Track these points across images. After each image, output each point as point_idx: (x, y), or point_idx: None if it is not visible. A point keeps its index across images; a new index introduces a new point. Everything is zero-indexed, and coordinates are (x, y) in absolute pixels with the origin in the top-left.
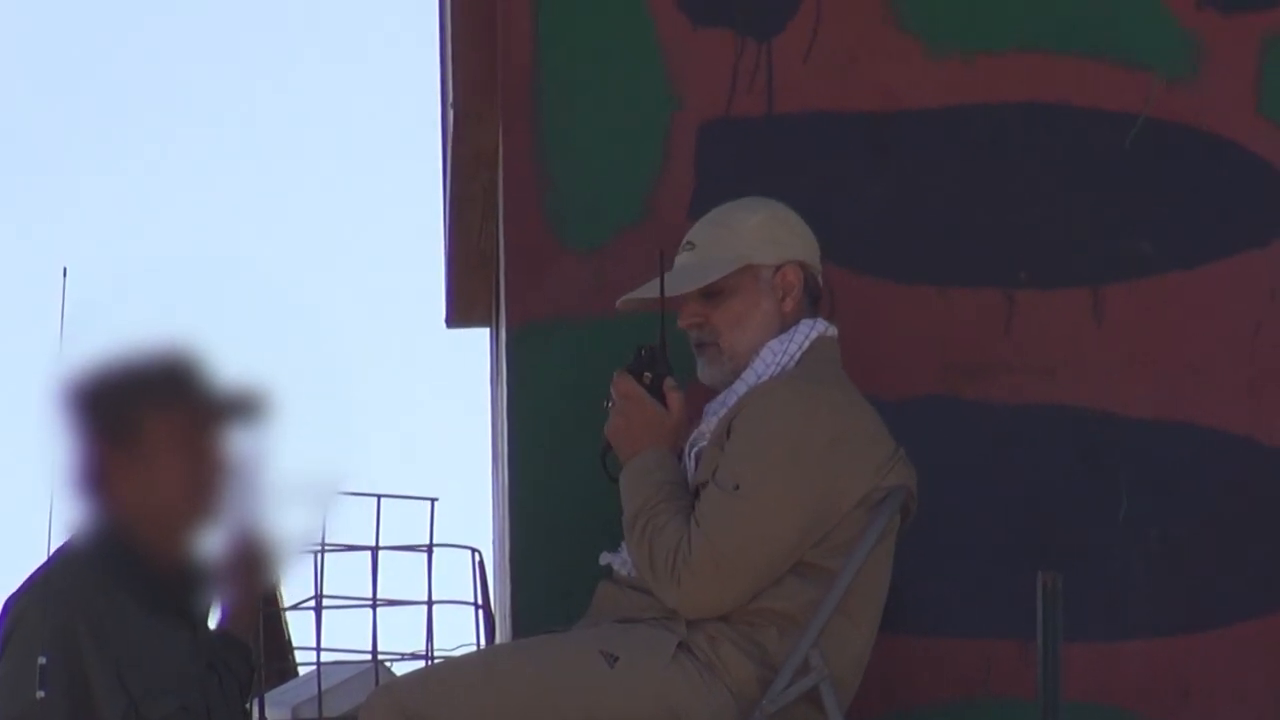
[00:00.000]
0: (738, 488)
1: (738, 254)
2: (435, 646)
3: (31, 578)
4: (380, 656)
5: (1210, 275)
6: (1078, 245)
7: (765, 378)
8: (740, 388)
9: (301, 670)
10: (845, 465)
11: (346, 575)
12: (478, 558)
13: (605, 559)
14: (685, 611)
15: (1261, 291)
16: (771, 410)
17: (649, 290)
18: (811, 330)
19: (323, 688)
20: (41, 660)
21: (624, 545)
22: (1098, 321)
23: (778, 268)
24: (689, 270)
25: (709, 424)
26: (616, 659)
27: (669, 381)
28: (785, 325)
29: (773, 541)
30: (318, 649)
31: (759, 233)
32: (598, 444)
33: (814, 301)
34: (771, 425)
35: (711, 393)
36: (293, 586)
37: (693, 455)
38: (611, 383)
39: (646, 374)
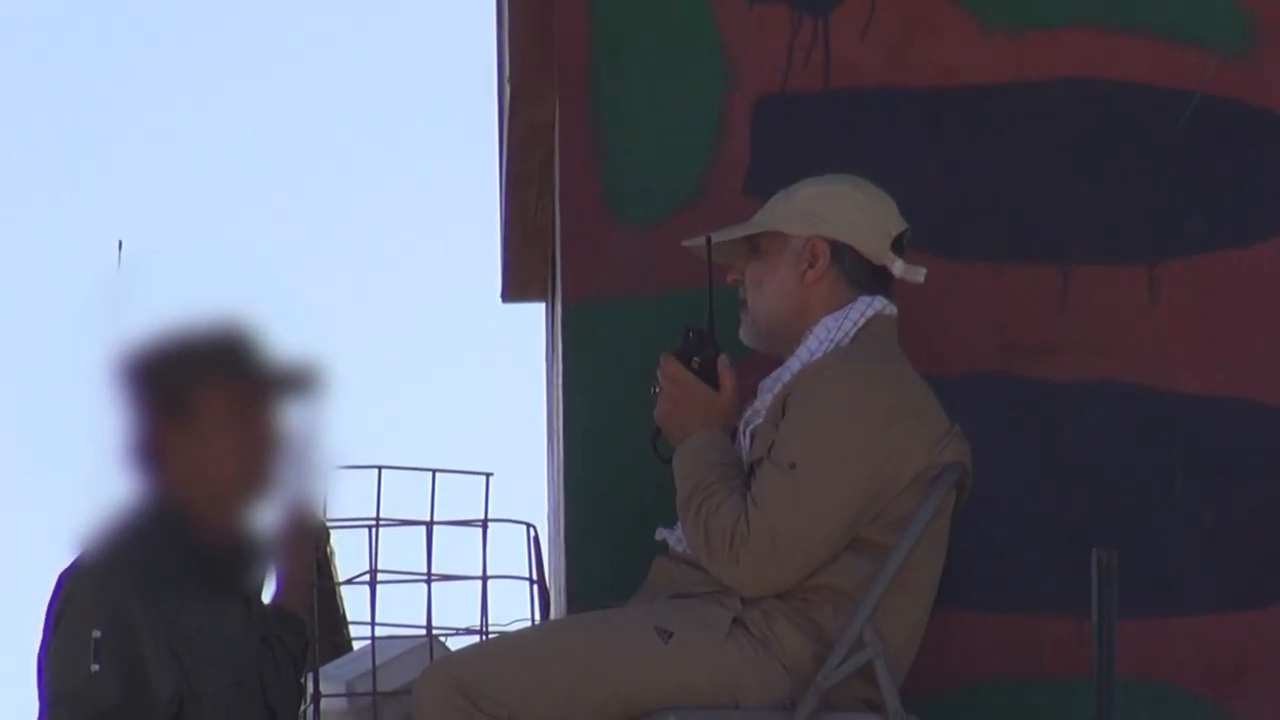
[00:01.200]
0: (794, 466)
1: (771, 220)
2: (490, 621)
3: (85, 552)
4: (435, 631)
5: (1265, 253)
6: (1133, 222)
7: (819, 354)
8: (794, 364)
9: (356, 645)
10: (900, 442)
11: (401, 550)
12: (532, 533)
13: (661, 534)
14: (744, 590)
15: None
16: (826, 387)
17: (700, 241)
18: (868, 308)
19: (377, 662)
20: (96, 634)
21: (679, 523)
22: (1153, 299)
23: (807, 239)
24: (732, 227)
25: (763, 400)
26: (671, 635)
27: (722, 360)
28: (811, 297)
29: (830, 519)
30: (372, 624)
31: (804, 204)
32: (648, 428)
33: (865, 283)
34: (827, 402)
35: (766, 369)
36: (347, 561)
37: (747, 433)
38: (658, 367)
39: (695, 359)
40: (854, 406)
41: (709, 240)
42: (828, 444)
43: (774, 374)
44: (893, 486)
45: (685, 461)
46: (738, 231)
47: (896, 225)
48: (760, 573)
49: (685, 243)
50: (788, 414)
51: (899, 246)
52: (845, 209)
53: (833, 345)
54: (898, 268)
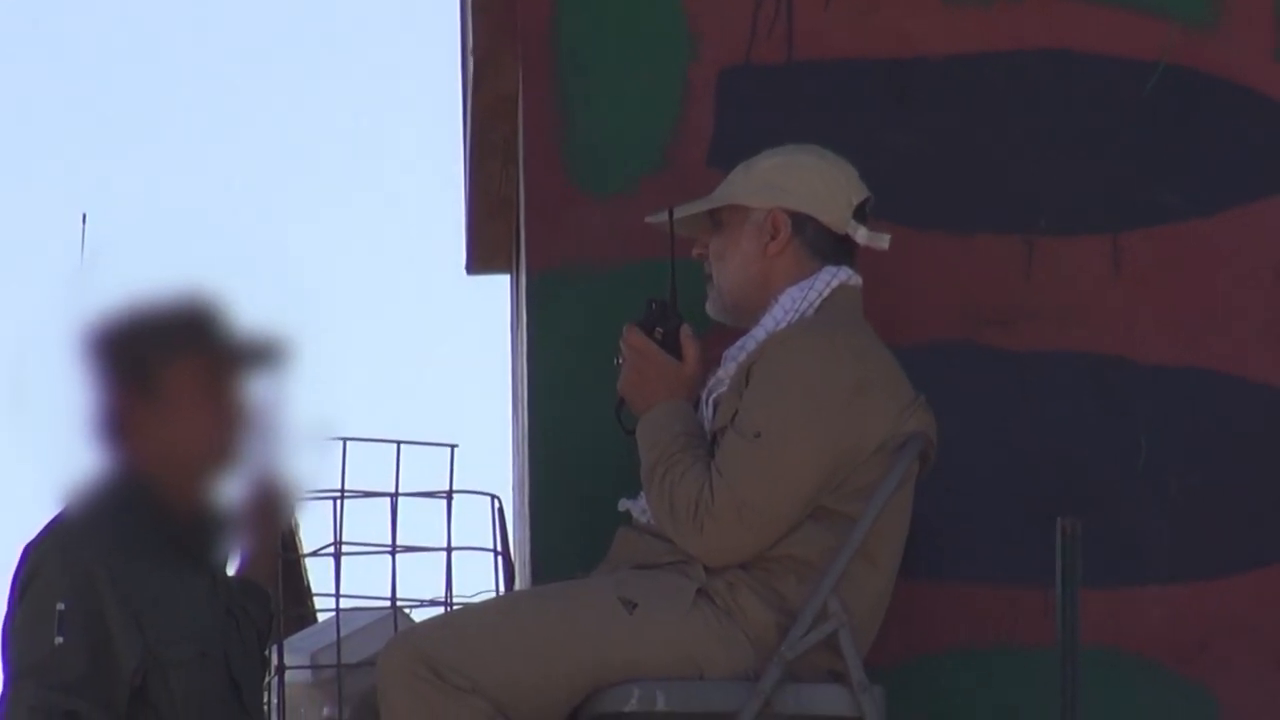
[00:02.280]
0: (759, 435)
1: (732, 193)
2: (454, 593)
3: (50, 525)
4: (399, 603)
5: (1229, 222)
6: (1097, 192)
7: (784, 324)
8: (759, 333)
9: (320, 617)
10: (865, 412)
11: (366, 522)
12: (497, 504)
13: (624, 505)
14: (708, 560)
15: None
16: (791, 356)
17: (677, 211)
18: (833, 278)
19: (342, 634)
20: (60, 606)
21: (644, 493)
22: (1117, 268)
23: (768, 211)
24: (694, 202)
25: (727, 370)
26: (635, 606)
27: (685, 330)
28: (774, 268)
29: (794, 488)
30: (337, 595)
31: (764, 176)
32: (612, 400)
33: (828, 253)
34: (791, 371)
35: (730, 339)
36: (312, 533)
37: (710, 402)
38: (621, 337)
39: (658, 329)
40: (818, 376)
41: (670, 213)
42: (792, 413)
43: (738, 343)
44: (856, 456)
45: (649, 432)
46: (699, 206)
47: (858, 193)
48: (725, 542)
49: (649, 218)
50: (752, 383)
51: (861, 215)
52: (806, 179)
53: (797, 315)
54: (861, 235)
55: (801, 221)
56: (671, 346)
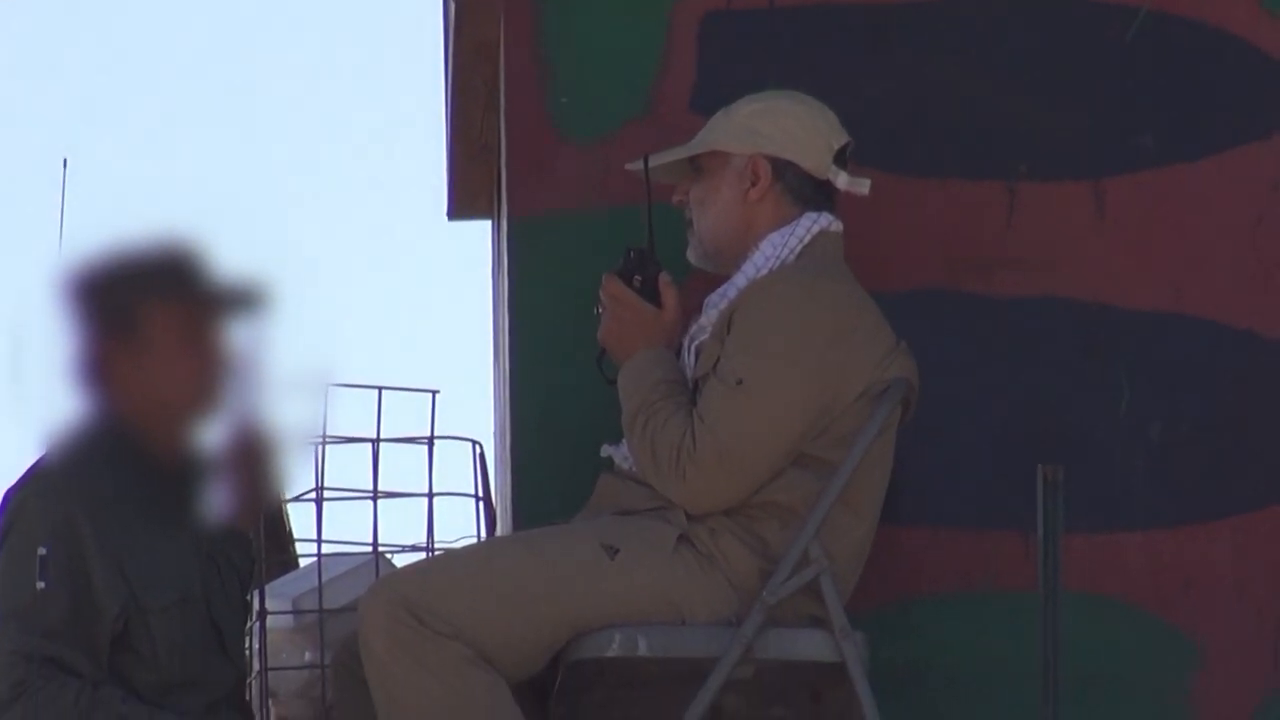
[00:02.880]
0: (740, 382)
1: (712, 139)
2: (436, 538)
3: (30, 470)
4: (381, 548)
5: (1211, 168)
6: (1079, 138)
7: (765, 271)
8: (740, 280)
9: (302, 562)
10: (847, 358)
11: (347, 468)
12: (479, 450)
13: (606, 451)
14: (691, 506)
15: (1263, 184)
16: (772, 303)
17: (656, 158)
18: (814, 224)
19: (323, 579)
20: (41, 551)
21: (625, 441)
22: (1099, 215)
23: (749, 157)
24: (674, 149)
25: (709, 317)
26: (617, 551)
27: (663, 277)
28: (755, 214)
29: (777, 435)
30: (318, 541)
31: (744, 121)
32: (593, 349)
33: (809, 198)
34: (773, 318)
35: (711, 286)
36: (294, 479)
37: (692, 349)
38: (600, 286)
39: (637, 277)
40: (800, 322)
41: (645, 161)
42: (774, 360)
43: (719, 290)
44: (839, 403)
45: (630, 380)
46: (679, 153)
47: (839, 138)
48: (707, 489)
49: (629, 166)
50: (733, 330)
51: (842, 160)
52: (786, 124)
53: (778, 262)
54: (842, 180)
55: (782, 167)
56: (650, 294)
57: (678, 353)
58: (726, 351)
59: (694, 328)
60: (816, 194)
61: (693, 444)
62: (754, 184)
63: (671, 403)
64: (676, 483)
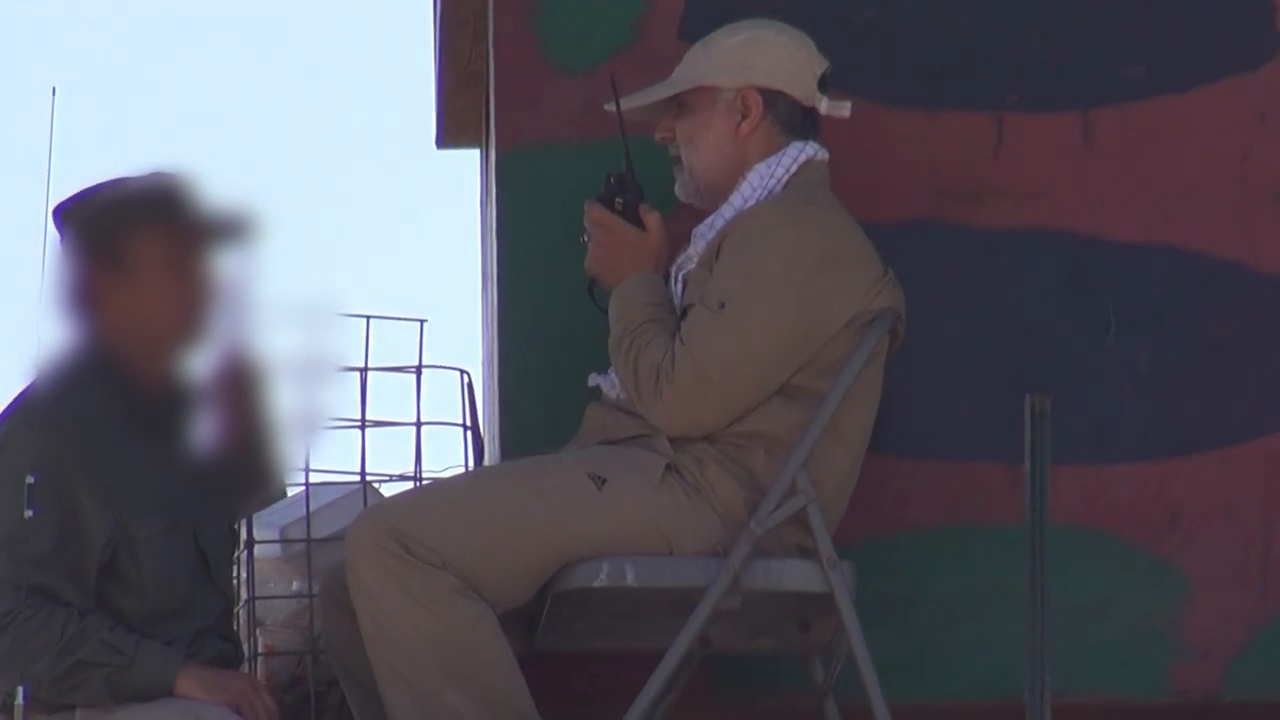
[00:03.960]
0: (723, 305)
1: (698, 74)
2: (424, 468)
3: (18, 399)
4: (368, 477)
5: (1200, 99)
6: (1067, 68)
7: (752, 201)
8: (728, 211)
9: (290, 491)
10: (834, 286)
11: (335, 396)
12: (466, 379)
13: (594, 380)
14: (667, 428)
15: (1252, 115)
16: (760, 231)
17: (634, 100)
18: (800, 154)
19: (311, 508)
20: (29, 480)
21: (613, 368)
22: (1087, 145)
23: (738, 91)
24: (656, 86)
25: (696, 247)
26: (604, 481)
27: (644, 205)
28: (747, 148)
29: (758, 360)
30: (306, 470)
31: (730, 55)
32: (583, 279)
33: (798, 128)
34: (759, 245)
35: (696, 215)
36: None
37: (680, 279)
38: (584, 213)
39: (618, 200)
40: (786, 249)
41: (615, 91)
42: (758, 285)
43: (707, 220)
44: (824, 331)
45: (618, 304)
46: (663, 91)
47: (820, 64)
48: (684, 410)
49: (607, 106)
50: (721, 258)
51: (823, 85)
52: (773, 54)
53: (765, 192)
54: (824, 105)
55: (772, 98)
56: (633, 217)
57: (666, 280)
58: (713, 279)
59: (681, 258)
60: (804, 123)
61: (671, 365)
62: (745, 117)
63: (657, 325)
64: (654, 403)
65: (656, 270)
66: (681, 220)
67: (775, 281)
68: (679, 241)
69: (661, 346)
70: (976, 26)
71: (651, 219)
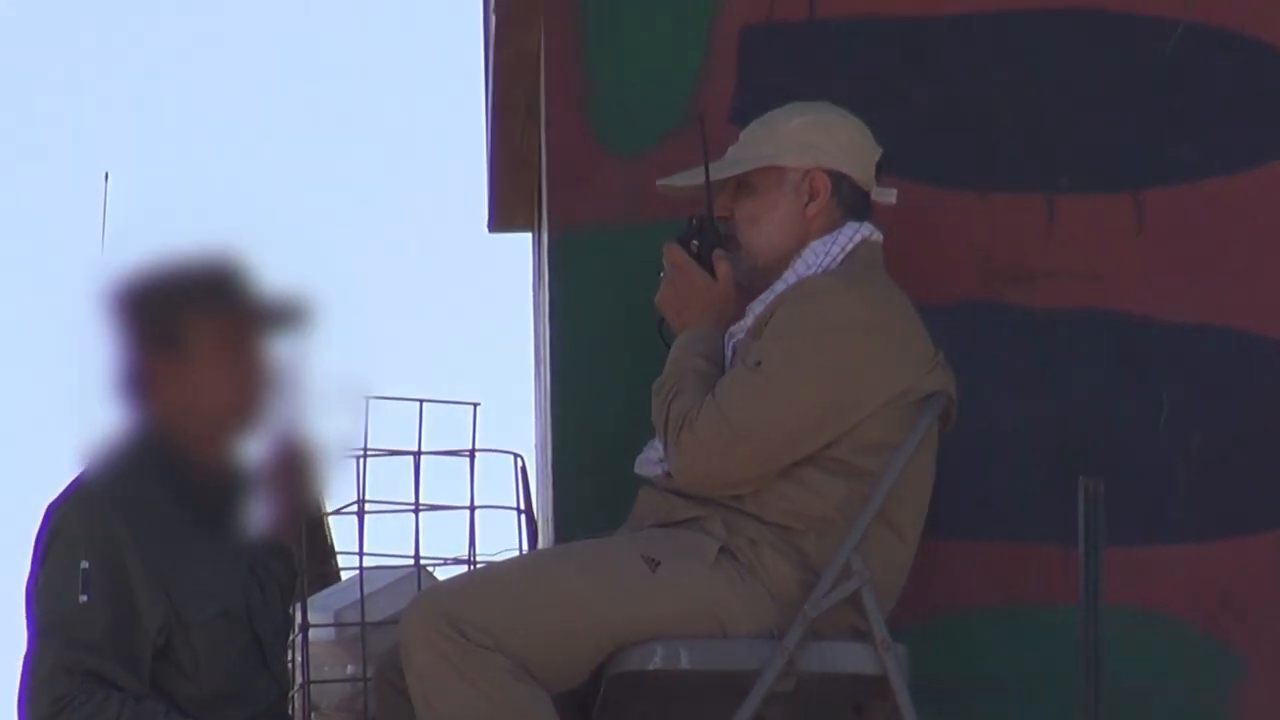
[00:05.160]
0: (759, 364)
1: (765, 154)
2: (478, 551)
3: (73, 484)
4: (423, 561)
5: (1250, 181)
6: (1118, 150)
7: (806, 276)
8: (780, 286)
9: (344, 575)
10: (876, 356)
11: (389, 481)
12: (520, 463)
13: (638, 468)
14: (682, 479)
15: None
16: (809, 299)
17: (687, 177)
18: (856, 233)
19: (365, 592)
20: (84, 565)
21: (651, 442)
22: (1139, 227)
23: (806, 172)
24: (721, 164)
25: (749, 320)
26: (658, 563)
27: (717, 252)
28: (810, 229)
29: (783, 416)
30: (360, 554)
31: (795, 136)
32: (654, 317)
33: (857, 210)
34: (807, 312)
35: (751, 296)
36: (335, 492)
37: (731, 346)
38: (663, 252)
39: (694, 242)
40: (832, 314)
41: (704, 137)
42: (796, 346)
43: (761, 296)
44: (861, 405)
45: (674, 350)
46: (732, 170)
47: (877, 151)
48: (701, 461)
49: (660, 183)
50: (769, 326)
51: (877, 171)
52: (838, 137)
53: (820, 269)
54: (874, 192)
55: (838, 180)
56: (707, 262)
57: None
58: (758, 341)
59: (735, 327)
60: (863, 205)
61: (697, 413)
62: (812, 198)
63: (699, 377)
64: (673, 449)
65: (720, 319)
66: (743, 290)
67: (814, 344)
68: (742, 295)
69: (696, 397)
70: (1028, 108)
71: (722, 268)
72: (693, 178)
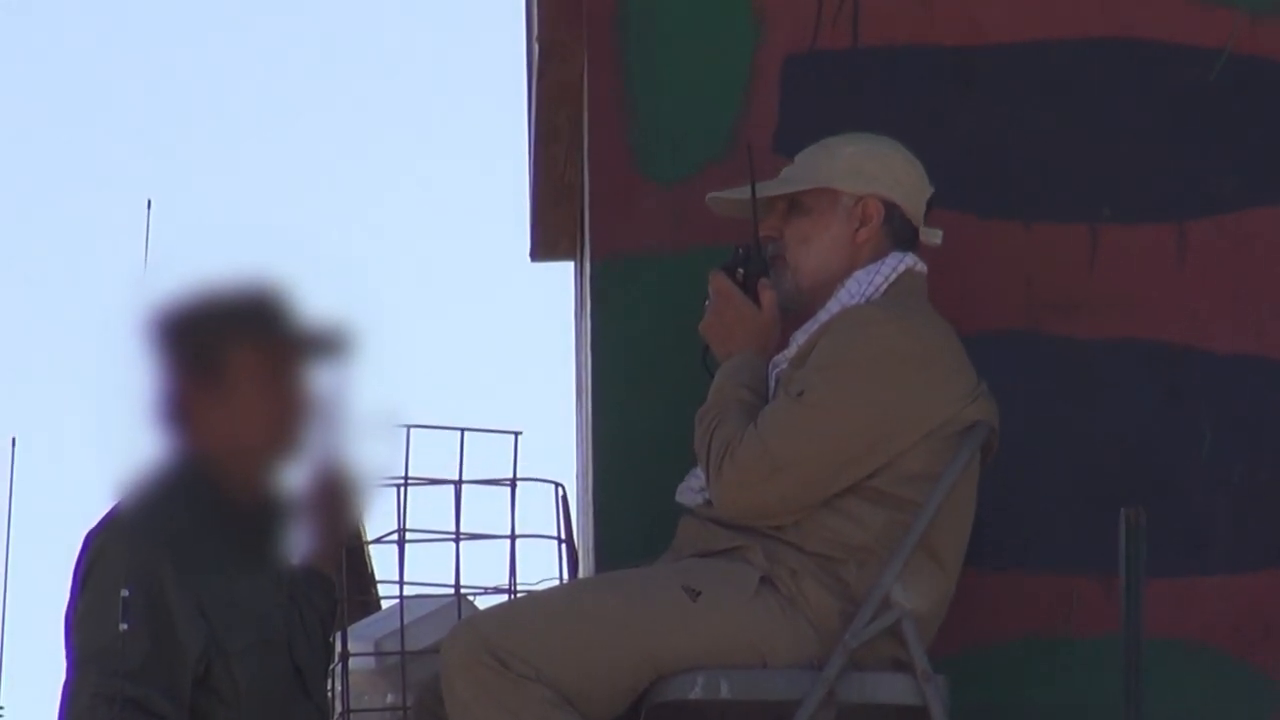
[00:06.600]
0: (802, 394)
1: (821, 176)
2: (518, 581)
3: (112, 512)
4: (463, 590)
5: None
6: (1161, 181)
7: (850, 305)
8: (823, 316)
9: (384, 604)
10: (922, 386)
11: (429, 510)
12: (561, 492)
13: (679, 496)
14: (723, 508)
15: None
16: (854, 329)
17: (737, 193)
18: (900, 263)
19: (405, 621)
20: (124, 593)
21: (693, 471)
22: (1181, 257)
23: (859, 198)
24: (773, 183)
25: (792, 350)
26: (699, 594)
27: (763, 280)
28: (858, 255)
29: (825, 447)
30: (400, 583)
31: (850, 161)
32: (698, 346)
33: (904, 242)
34: (850, 339)
35: (795, 324)
36: (375, 521)
37: (774, 376)
38: (708, 280)
39: (740, 270)
40: (877, 344)
41: (753, 190)
42: (839, 376)
43: (804, 325)
44: (903, 436)
45: (719, 378)
46: (788, 186)
47: (929, 189)
48: (742, 491)
49: (710, 196)
50: (813, 355)
51: (927, 208)
52: (894, 169)
53: (863, 298)
54: (922, 232)
55: (890, 210)
56: (752, 290)
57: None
58: (802, 370)
59: (778, 356)
60: (910, 238)
61: (739, 442)
62: (863, 224)
63: (742, 406)
64: (714, 478)
65: (764, 348)
66: (789, 318)
67: (857, 374)
68: (786, 325)
69: (738, 426)
70: (1071, 139)
71: (766, 296)
72: (742, 194)
